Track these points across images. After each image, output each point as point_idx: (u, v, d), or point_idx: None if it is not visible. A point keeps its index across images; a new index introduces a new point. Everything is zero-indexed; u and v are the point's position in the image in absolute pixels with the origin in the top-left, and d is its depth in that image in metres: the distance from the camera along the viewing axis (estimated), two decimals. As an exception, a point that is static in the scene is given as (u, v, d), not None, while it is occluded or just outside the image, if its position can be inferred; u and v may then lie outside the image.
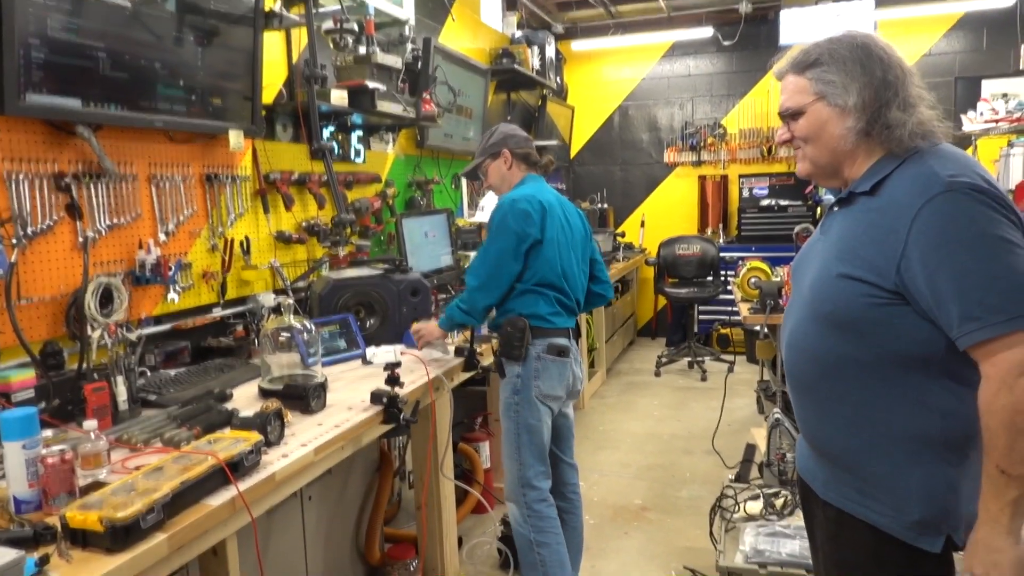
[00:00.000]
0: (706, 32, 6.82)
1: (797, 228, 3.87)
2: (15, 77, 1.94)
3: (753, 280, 3.80)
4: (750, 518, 2.57)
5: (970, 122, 5.26)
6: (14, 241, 2.01)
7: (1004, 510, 1.20)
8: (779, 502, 2.61)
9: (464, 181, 5.18)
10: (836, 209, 1.44)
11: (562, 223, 2.61)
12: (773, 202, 6.69)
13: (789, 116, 1.43)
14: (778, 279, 3.65)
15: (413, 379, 2.32)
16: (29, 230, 2.07)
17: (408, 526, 3.17)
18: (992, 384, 1.19)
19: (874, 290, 1.27)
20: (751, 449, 4.02)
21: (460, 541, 3.07)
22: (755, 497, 2.67)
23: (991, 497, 1.21)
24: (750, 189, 6.89)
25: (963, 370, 1.26)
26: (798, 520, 2.52)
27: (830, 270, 1.34)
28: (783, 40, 6.30)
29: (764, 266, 3.93)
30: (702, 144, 7.08)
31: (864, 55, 1.34)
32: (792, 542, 2.35)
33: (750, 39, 6.84)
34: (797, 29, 6.19)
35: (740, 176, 6.95)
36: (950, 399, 1.29)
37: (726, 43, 6.91)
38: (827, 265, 1.36)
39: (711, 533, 2.66)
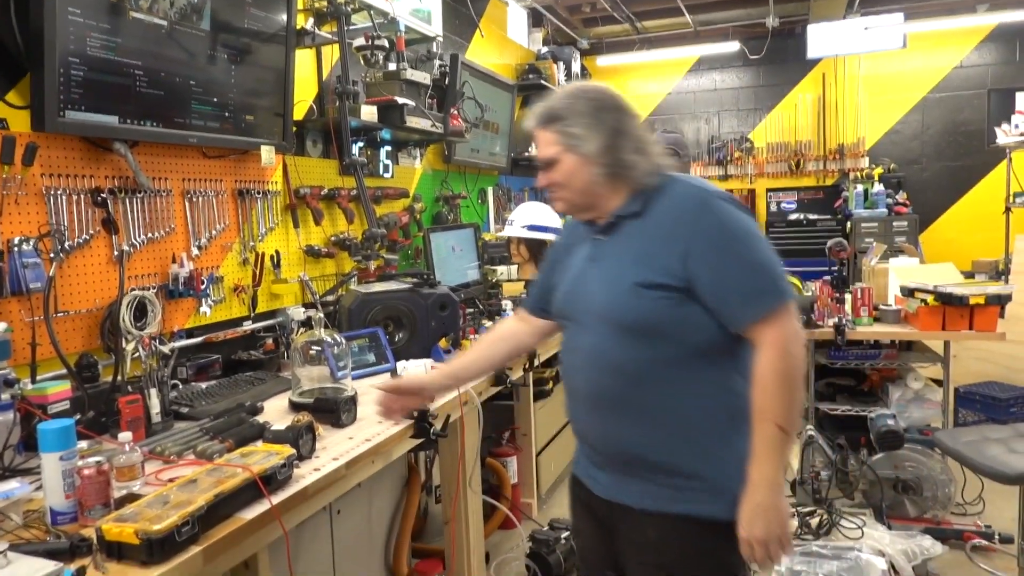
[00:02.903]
0: (732, 47, 6.80)
1: (830, 242, 3.81)
2: (55, 95, 1.98)
3: (784, 295, 3.74)
4: (784, 537, 2.52)
5: (1004, 135, 5.17)
6: (52, 255, 2.04)
7: (779, 470, 1.38)
8: (814, 521, 2.55)
9: (491, 195, 5.19)
10: (601, 237, 1.57)
11: None
12: (802, 216, 6.62)
13: (544, 165, 1.58)
14: (810, 294, 3.59)
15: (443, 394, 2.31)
16: (67, 244, 2.11)
17: (435, 541, 3.15)
18: (771, 351, 1.39)
19: (669, 292, 1.43)
20: (782, 467, 3.94)
21: (488, 557, 3.04)
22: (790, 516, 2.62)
23: (766, 460, 1.38)
24: (778, 203, 6.82)
25: (744, 352, 1.44)
26: (836, 540, 2.47)
27: (624, 283, 1.47)
28: (811, 54, 6.27)
29: (795, 280, 3.87)
30: (729, 158, 7.04)
31: (597, 107, 1.53)
32: (829, 563, 2.30)
33: (777, 53, 6.80)
34: (825, 43, 6.14)
35: (768, 190, 6.89)
36: (737, 379, 1.46)
37: (753, 57, 6.88)
38: (619, 281, 1.48)
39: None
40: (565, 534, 2.94)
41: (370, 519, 2.52)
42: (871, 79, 6.65)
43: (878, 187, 6.22)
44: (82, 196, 2.17)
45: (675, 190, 1.51)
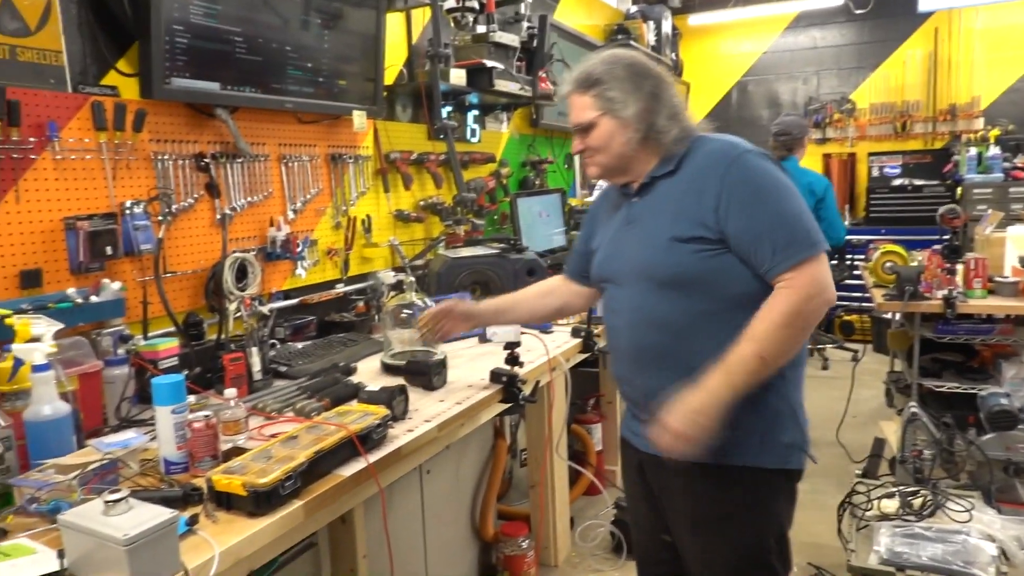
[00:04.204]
0: (836, 1, 6.40)
1: (942, 209, 3.56)
2: (162, 62, 2.04)
3: (888, 265, 3.53)
4: (884, 517, 2.40)
5: None
6: (160, 218, 2.13)
7: (733, 391, 1.39)
8: (917, 502, 2.43)
9: (577, 160, 5.12)
10: (636, 199, 1.59)
11: None
12: (907, 182, 6.22)
13: (580, 130, 1.60)
14: (916, 264, 3.39)
15: (531, 359, 2.31)
16: (173, 207, 2.19)
17: (519, 503, 3.18)
18: (792, 292, 1.39)
19: (704, 245, 1.45)
20: (880, 443, 3.77)
21: (572, 521, 3.05)
22: (890, 495, 2.49)
23: (727, 376, 1.40)
24: (880, 168, 6.44)
25: None
26: (940, 522, 2.34)
27: (660, 239, 1.49)
28: (922, 7, 5.85)
29: (900, 250, 3.65)
30: (828, 120, 6.68)
31: (635, 72, 1.55)
32: (934, 546, 2.18)
33: (885, 6, 6.36)
34: (938, -6, 5.71)
35: (869, 154, 6.51)
36: None
37: (858, 12, 6.46)
38: (655, 237, 1.51)
39: (839, 530, 2.51)
40: (651, 503, 2.91)
41: (457, 480, 2.56)
42: (988, 33, 6.14)
43: (993, 150, 5.77)
44: (187, 161, 2.25)
45: (706, 147, 1.53)
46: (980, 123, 6.15)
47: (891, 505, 2.45)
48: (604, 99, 1.54)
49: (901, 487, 2.57)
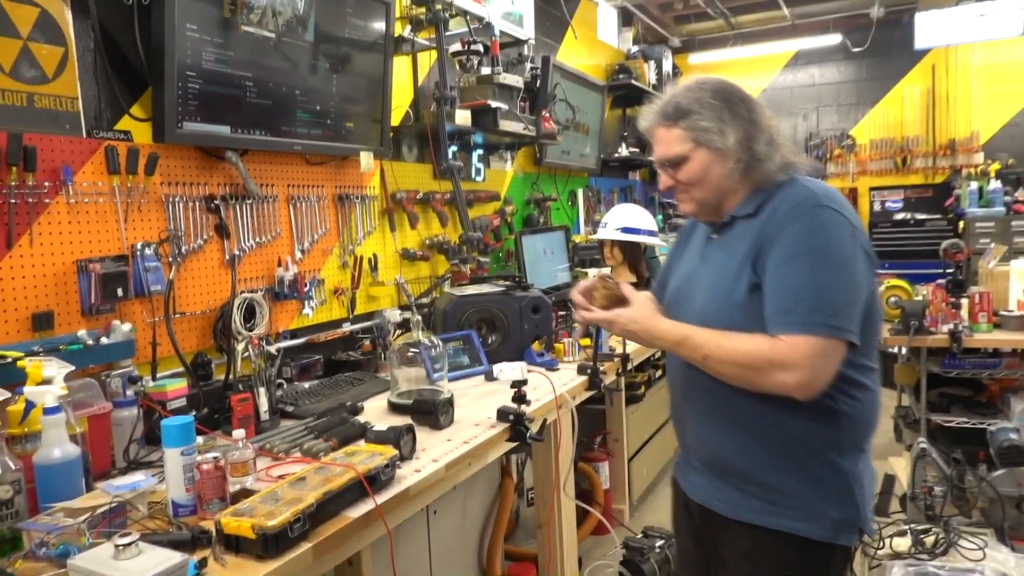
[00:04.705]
0: (834, 39, 6.51)
1: (945, 243, 3.59)
2: (174, 107, 2.09)
3: (893, 299, 3.54)
4: (897, 556, 2.38)
5: None
6: (170, 259, 2.15)
7: (658, 339, 1.48)
8: (930, 540, 2.40)
9: (581, 197, 5.16)
10: (715, 237, 1.53)
11: None
12: (909, 216, 6.27)
13: (670, 165, 1.50)
14: (920, 298, 3.40)
15: (538, 396, 2.31)
16: (183, 249, 2.22)
17: (526, 544, 3.15)
18: (774, 353, 1.30)
19: (760, 295, 1.38)
20: (890, 480, 3.73)
21: (580, 562, 3.01)
22: (902, 533, 2.47)
23: (668, 329, 1.46)
24: (882, 202, 6.50)
25: (857, 373, 1.38)
26: (953, 560, 2.32)
27: (723, 286, 1.43)
28: (919, 44, 5.94)
29: (904, 284, 3.66)
30: (828, 156, 6.75)
31: (726, 98, 1.45)
32: (947, 585, 2.16)
33: (882, 44, 6.47)
34: (935, 32, 5.82)
35: (871, 189, 6.57)
36: (849, 401, 1.38)
37: (855, 49, 6.57)
38: (719, 284, 1.45)
39: (851, 569, 2.48)
40: (660, 542, 2.88)
41: (464, 520, 2.54)
42: (986, 69, 6.23)
43: (994, 184, 5.82)
44: (197, 203, 2.29)
45: (790, 192, 1.42)
46: (980, 157, 6.21)
47: (903, 543, 2.42)
48: (696, 130, 1.44)
49: (912, 524, 2.54)
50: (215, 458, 1.47)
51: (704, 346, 1.40)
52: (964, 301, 3.35)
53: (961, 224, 5.74)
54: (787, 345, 1.31)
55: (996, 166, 6.04)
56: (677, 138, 1.47)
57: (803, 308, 1.31)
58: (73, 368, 1.63)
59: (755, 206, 1.44)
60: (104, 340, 1.92)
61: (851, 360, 1.36)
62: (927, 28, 5.84)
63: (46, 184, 1.88)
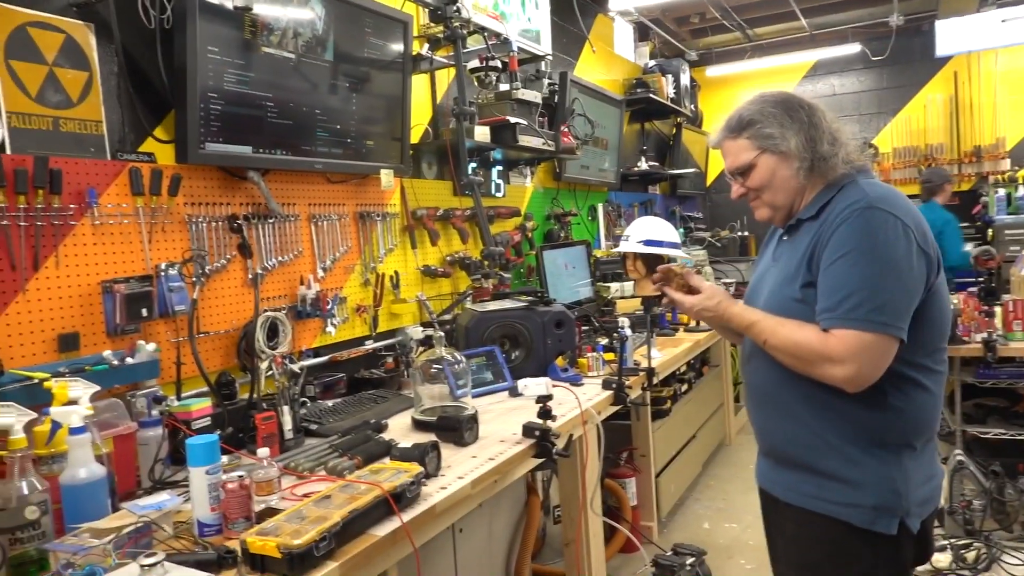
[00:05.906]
0: (852, 49, 6.46)
1: (976, 251, 3.52)
2: (197, 128, 2.11)
3: (923, 308, 3.48)
4: (937, 572, 2.31)
5: None
6: (194, 279, 2.16)
7: (732, 320, 1.60)
8: (971, 555, 2.33)
9: (601, 211, 5.14)
10: (786, 238, 1.63)
11: None
12: (935, 224, 6.16)
13: (739, 174, 1.61)
14: (952, 307, 3.32)
15: (563, 412, 2.28)
16: (207, 268, 2.23)
17: (553, 562, 3.10)
18: (826, 346, 1.39)
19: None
20: (925, 494, 3.64)
21: (608, 582, 2.96)
22: (941, 549, 2.40)
23: (740, 312, 1.59)
24: (907, 211, 6.39)
25: (910, 371, 1.43)
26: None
27: (786, 287, 1.53)
28: (940, 51, 5.87)
29: (934, 293, 3.59)
30: (851, 165, 6.67)
31: (786, 106, 1.55)
32: (992, 602, 2.09)
33: (902, 53, 6.42)
34: (956, 39, 5.74)
35: (895, 197, 6.47)
36: (899, 396, 1.44)
37: (875, 59, 6.52)
38: (783, 284, 1.55)
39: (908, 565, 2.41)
40: (691, 560, 2.82)
41: (491, 538, 2.50)
42: (1011, 75, 6.15)
43: (1023, 190, 5.72)
44: (219, 223, 2.30)
45: (847, 193, 1.50)
46: (1007, 164, 6.11)
47: (943, 559, 2.36)
48: (760, 137, 1.55)
49: (952, 540, 2.48)
50: (240, 477, 1.46)
51: (764, 332, 1.52)
52: (997, 309, 3.27)
53: (990, 232, 5.63)
54: (836, 339, 1.39)
55: (1024, 172, 5.94)
56: (743, 147, 1.58)
57: (850, 304, 1.39)
58: (99, 388, 1.63)
59: (817, 208, 1.53)
60: (129, 360, 1.92)
61: (906, 358, 1.42)
62: (948, 35, 5.77)
63: (72, 206, 1.90)
